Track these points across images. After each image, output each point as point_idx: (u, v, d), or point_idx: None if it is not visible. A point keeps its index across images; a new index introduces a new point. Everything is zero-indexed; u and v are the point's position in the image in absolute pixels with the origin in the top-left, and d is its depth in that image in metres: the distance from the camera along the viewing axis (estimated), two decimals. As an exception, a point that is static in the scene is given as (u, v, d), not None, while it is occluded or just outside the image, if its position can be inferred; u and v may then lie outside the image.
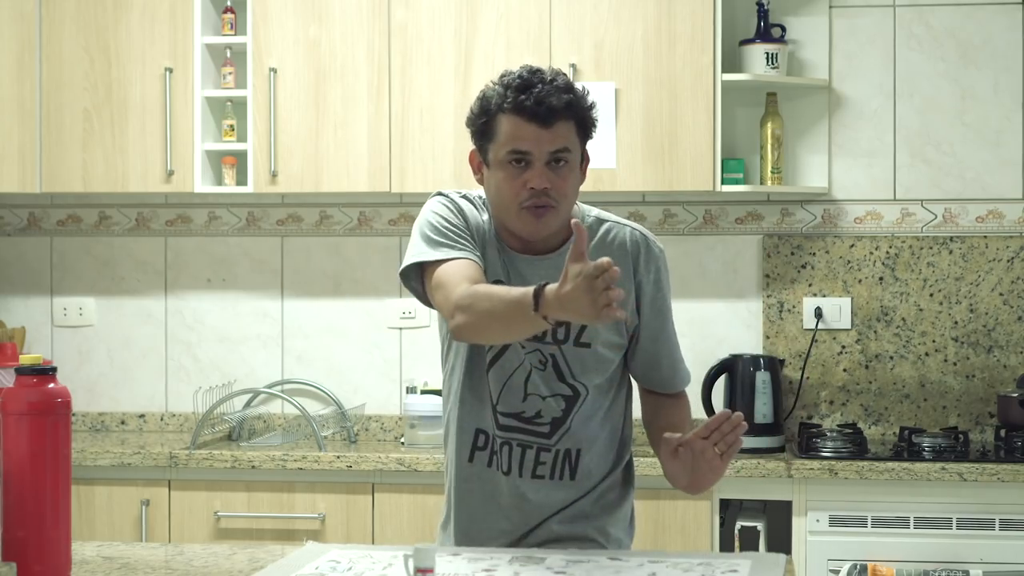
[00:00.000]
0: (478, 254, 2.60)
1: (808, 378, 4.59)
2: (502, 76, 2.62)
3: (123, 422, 4.85)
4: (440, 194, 2.69)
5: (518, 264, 2.64)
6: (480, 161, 2.65)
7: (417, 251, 2.61)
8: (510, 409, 2.65)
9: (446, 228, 2.61)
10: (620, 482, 2.77)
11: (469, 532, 2.70)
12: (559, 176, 2.57)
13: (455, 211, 2.64)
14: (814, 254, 4.61)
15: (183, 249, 4.86)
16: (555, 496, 2.67)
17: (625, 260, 2.65)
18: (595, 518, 2.70)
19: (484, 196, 2.68)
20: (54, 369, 2.29)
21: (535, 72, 2.59)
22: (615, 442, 2.74)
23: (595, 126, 2.65)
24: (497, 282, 2.60)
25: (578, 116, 2.59)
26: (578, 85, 2.64)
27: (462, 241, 2.60)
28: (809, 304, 4.60)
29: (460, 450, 2.69)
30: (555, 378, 2.64)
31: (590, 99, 2.63)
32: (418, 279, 2.63)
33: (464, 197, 2.69)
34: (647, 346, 2.71)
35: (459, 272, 2.53)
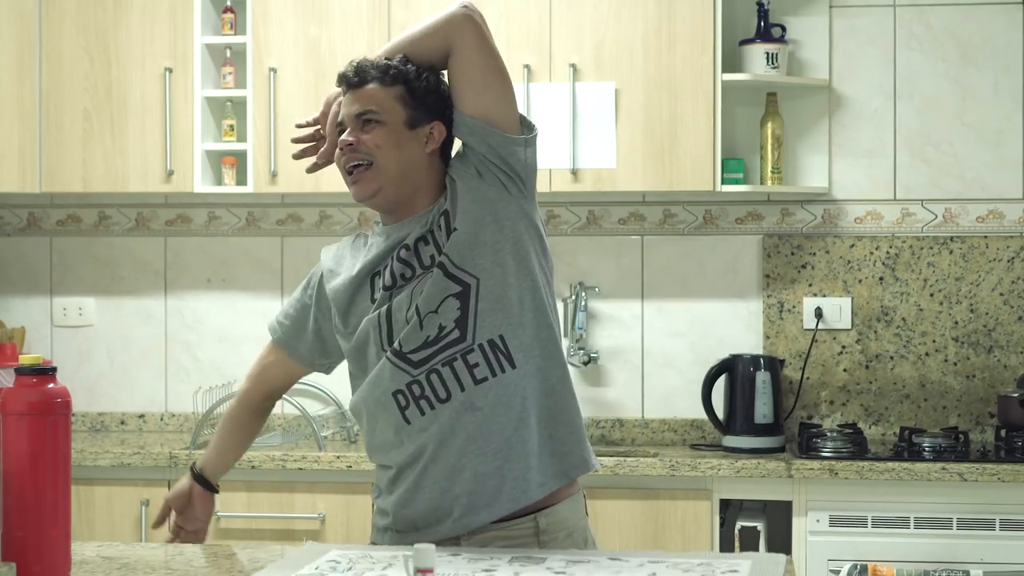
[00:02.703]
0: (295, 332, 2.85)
1: (808, 378, 4.59)
2: None
3: (123, 422, 4.85)
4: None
5: (390, 233, 2.71)
6: None
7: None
8: (417, 343, 2.62)
9: (290, 304, 2.90)
10: (565, 394, 2.70)
11: (443, 489, 2.63)
12: (366, 133, 2.68)
13: (305, 283, 2.89)
14: (814, 254, 4.61)
15: (183, 249, 4.86)
16: (505, 392, 2.60)
17: (453, 186, 2.69)
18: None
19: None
20: (54, 369, 2.29)
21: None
22: (549, 339, 2.68)
23: (435, 95, 2.71)
24: (375, 274, 2.71)
25: (400, 80, 2.69)
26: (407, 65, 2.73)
27: (288, 320, 2.87)
28: (809, 304, 4.60)
29: (394, 426, 2.65)
30: (442, 277, 2.61)
31: (423, 74, 2.71)
32: None
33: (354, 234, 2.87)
34: (470, 138, 2.70)
35: (258, 360, 2.91)
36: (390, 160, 2.69)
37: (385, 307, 2.66)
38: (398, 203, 2.71)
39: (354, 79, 2.72)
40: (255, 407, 2.91)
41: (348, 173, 2.71)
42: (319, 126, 2.82)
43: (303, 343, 2.84)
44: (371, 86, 2.70)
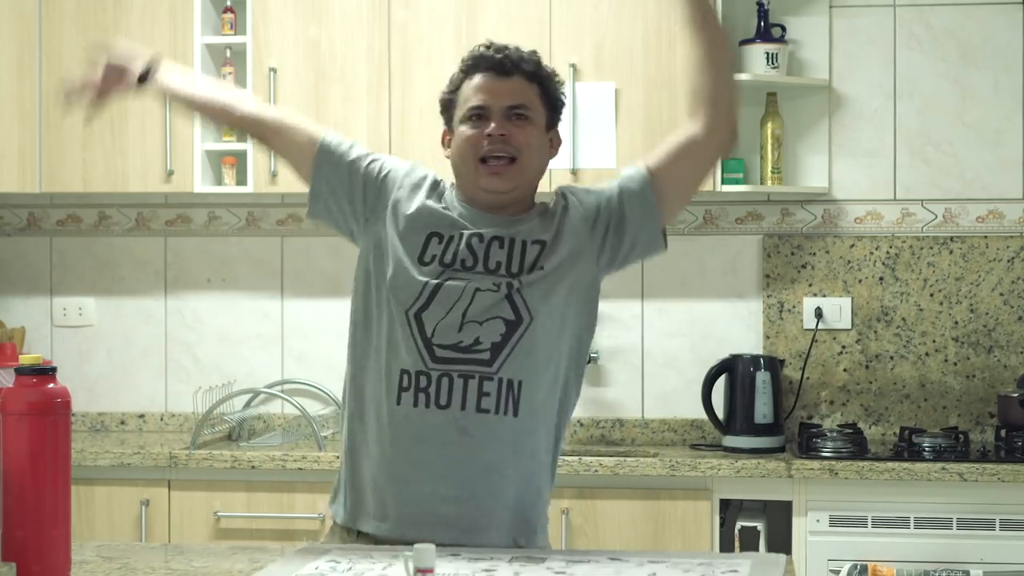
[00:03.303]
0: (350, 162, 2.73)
1: (808, 378, 4.59)
2: (460, 67, 2.74)
3: (123, 422, 4.85)
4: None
5: (466, 217, 2.68)
6: (447, 135, 2.74)
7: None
8: (448, 340, 2.59)
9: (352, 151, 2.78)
10: (552, 459, 2.71)
11: (398, 479, 2.62)
12: (518, 128, 2.65)
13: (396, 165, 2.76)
14: (814, 254, 4.61)
15: (183, 249, 4.86)
16: (497, 432, 2.59)
17: (563, 220, 2.68)
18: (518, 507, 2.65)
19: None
20: (54, 369, 2.29)
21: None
22: (556, 412, 2.68)
23: (562, 103, 2.74)
24: (434, 235, 2.66)
25: (540, 80, 2.69)
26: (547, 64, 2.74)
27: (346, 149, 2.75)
28: (809, 304, 4.60)
29: (387, 395, 2.61)
30: (504, 301, 2.60)
31: (557, 78, 2.74)
32: None
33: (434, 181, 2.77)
34: (623, 219, 2.67)
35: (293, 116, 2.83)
36: (533, 160, 2.68)
37: (435, 282, 2.62)
38: (512, 203, 2.69)
39: (507, 65, 2.67)
40: (246, 111, 2.81)
41: (482, 161, 2.65)
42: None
43: (341, 169, 2.73)
44: (520, 79, 2.67)
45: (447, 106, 2.74)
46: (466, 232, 2.65)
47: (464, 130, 2.67)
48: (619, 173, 2.74)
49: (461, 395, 2.59)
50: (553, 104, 2.73)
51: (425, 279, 2.62)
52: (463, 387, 2.59)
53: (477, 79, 2.67)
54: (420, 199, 2.70)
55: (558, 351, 2.65)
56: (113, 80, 2.77)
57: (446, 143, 2.75)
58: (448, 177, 2.78)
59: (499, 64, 2.67)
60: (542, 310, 2.62)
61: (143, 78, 2.78)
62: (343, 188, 2.73)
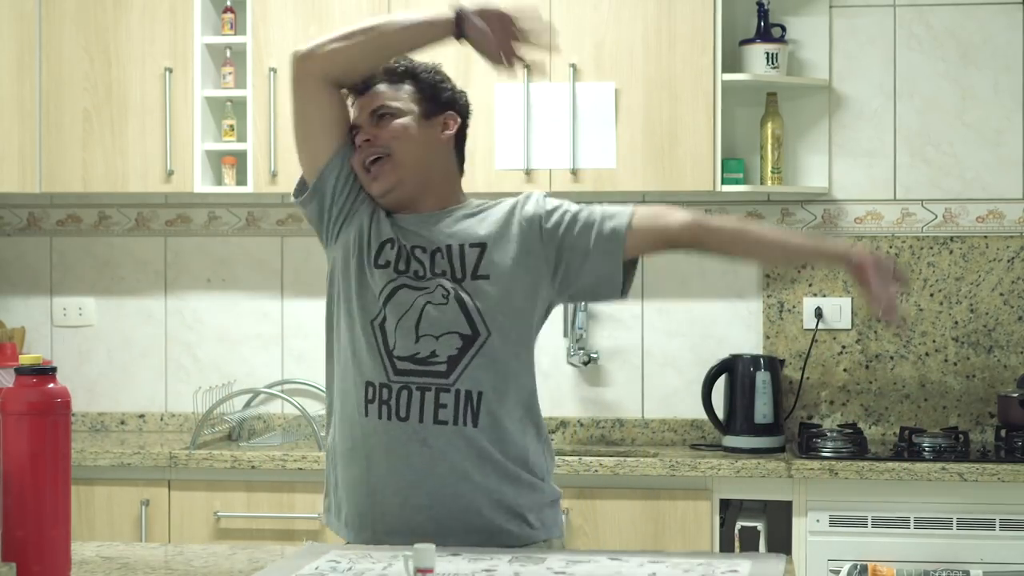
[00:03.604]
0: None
1: (808, 378, 4.59)
2: None
3: (123, 422, 4.85)
4: None
5: (401, 223, 2.71)
6: None
7: None
8: (406, 352, 2.63)
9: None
10: (528, 459, 2.70)
11: (371, 490, 2.65)
12: (381, 127, 2.69)
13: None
14: (814, 254, 4.60)
15: (183, 249, 4.86)
16: (457, 442, 2.61)
17: (510, 221, 2.70)
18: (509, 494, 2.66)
19: None
20: (54, 369, 2.29)
21: None
22: (525, 413, 2.69)
23: (440, 88, 2.75)
24: (387, 241, 2.69)
25: (407, 78, 2.72)
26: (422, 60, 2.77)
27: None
28: (809, 304, 4.60)
29: (356, 408, 2.65)
30: (459, 313, 2.62)
31: (428, 67, 2.76)
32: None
33: None
34: (587, 254, 2.68)
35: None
36: (408, 150, 2.70)
37: (388, 289, 2.65)
38: (417, 196, 2.72)
39: (366, 83, 2.72)
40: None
41: (367, 171, 2.70)
42: None
43: (346, 177, 2.74)
44: (380, 86, 2.72)
45: None
46: (407, 244, 2.69)
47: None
48: (602, 209, 2.73)
49: (419, 407, 2.63)
50: (430, 93, 2.74)
51: (380, 286, 2.66)
52: (420, 399, 2.63)
53: (356, 101, 2.75)
54: (373, 210, 2.74)
55: (519, 362, 2.68)
56: None
57: None
58: None
59: (359, 88, 2.73)
60: (498, 321, 2.64)
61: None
62: (345, 196, 2.75)
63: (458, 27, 2.64)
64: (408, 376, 2.63)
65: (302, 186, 2.79)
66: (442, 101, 2.75)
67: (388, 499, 2.66)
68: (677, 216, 2.70)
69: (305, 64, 2.71)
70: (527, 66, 2.68)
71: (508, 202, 2.75)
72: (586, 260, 2.68)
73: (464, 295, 2.64)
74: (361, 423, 2.67)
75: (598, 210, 2.72)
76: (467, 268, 2.66)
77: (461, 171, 2.81)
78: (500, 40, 2.63)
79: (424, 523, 2.64)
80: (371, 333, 2.66)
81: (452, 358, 2.63)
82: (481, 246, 2.67)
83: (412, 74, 2.74)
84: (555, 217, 2.70)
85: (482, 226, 2.70)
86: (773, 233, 2.88)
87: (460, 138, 2.78)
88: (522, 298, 2.67)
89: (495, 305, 2.64)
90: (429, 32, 2.68)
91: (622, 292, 2.71)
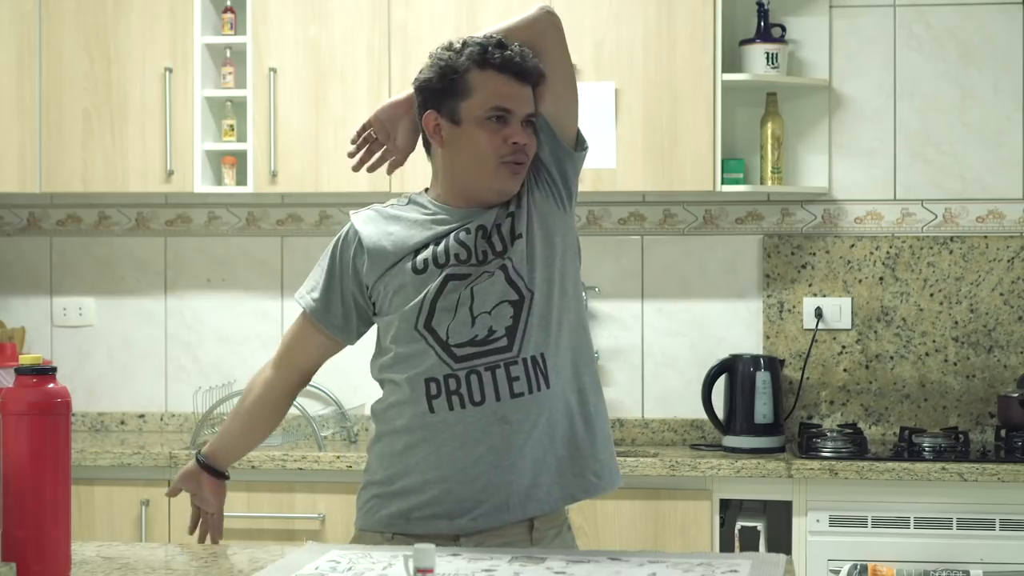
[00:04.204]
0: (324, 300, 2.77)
1: (808, 378, 4.59)
2: (457, 43, 2.72)
3: (123, 422, 4.85)
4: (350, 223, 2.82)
5: (452, 215, 2.70)
6: (439, 123, 2.70)
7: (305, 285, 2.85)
8: (463, 338, 2.63)
9: (316, 276, 2.81)
10: (596, 400, 2.76)
11: (450, 480, 2.65)
12: (530, 137, 2.68)
13: (331, 252, 2.79)
14: (814, 254, 4.61)
15: (183, 249, 4.86)
16: (533, 409, 2.63)
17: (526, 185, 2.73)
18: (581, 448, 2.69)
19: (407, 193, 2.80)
20: (54, 369, 2.29)
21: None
22: (582, 355, 2.72)
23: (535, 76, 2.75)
24: (418, 249, 2.69)
25: (537, 82, 2.70)
26: None
27: (318, 292, 2.77)
28: (809, 304, 4.60)
29: (417, 408, 2.65)
30: (503, 282, 2.63)
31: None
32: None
33: (374, 213, 2.79)
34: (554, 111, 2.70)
35: (285, 343, 2.87)
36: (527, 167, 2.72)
37: (435, 288, 2.64)
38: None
39: (527, 72, 2.67)
40: (280, 395, 2.85)
41: (506, 165, 2.66)
42: (369, 130, 2.82)
43: (337, 312, 2.77)
44: (527, 88, 2.69)
45: (440, 92, 2.70)
46: (451, 230, 2.68)
47: (484, 131, 2.65)
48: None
49: (493, 387, 2.62)
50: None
51: (426, 290, 2.65)
52: (492, 379, 2.63)
53: (499, 78, 2.65)
54: (398, 231, 2.73)
55: (560, 308, 2.68)
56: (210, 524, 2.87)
57: (434, 129, 2.72)
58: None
59: (521, 70, 2.66)
60: (534, 277, 2.65)
61: (213, 472, 2.87)
62: (355, 298, 2.76)
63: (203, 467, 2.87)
64: (471, 360, 2.63)
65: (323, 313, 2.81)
66: None
67: (467, 486, 2.63)
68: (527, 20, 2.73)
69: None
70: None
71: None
72: (550, 164, 2.71)
73: (510, 267, 2.64)
74: (425, 421, 2.64)
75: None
76: (505, 237, 2.66)
77: None
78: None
79: (499, 502, 2.63)
80: (421, 336, 2.65)
81: (509, 329, 2.63)
82: (511, 215, 2.68)
83: (534, 70, 2.70)
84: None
85: (508, 203, 2.71)
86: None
87: None
88: (548, 245, 2.67)
89: (531, 261, 2.65)
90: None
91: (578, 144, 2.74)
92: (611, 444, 2.80)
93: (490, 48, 2.65)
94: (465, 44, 2.69)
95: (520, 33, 2.71)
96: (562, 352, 2.68)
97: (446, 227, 2.69)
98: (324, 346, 2.81)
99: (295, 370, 2.85)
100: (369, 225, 2.76)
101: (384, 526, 2.70)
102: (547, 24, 2.72)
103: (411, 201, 2.78)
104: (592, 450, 2.72)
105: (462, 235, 2.67)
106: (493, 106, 2.64)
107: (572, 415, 2.70)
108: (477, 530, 2.64)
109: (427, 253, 2.67)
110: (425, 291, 2.65)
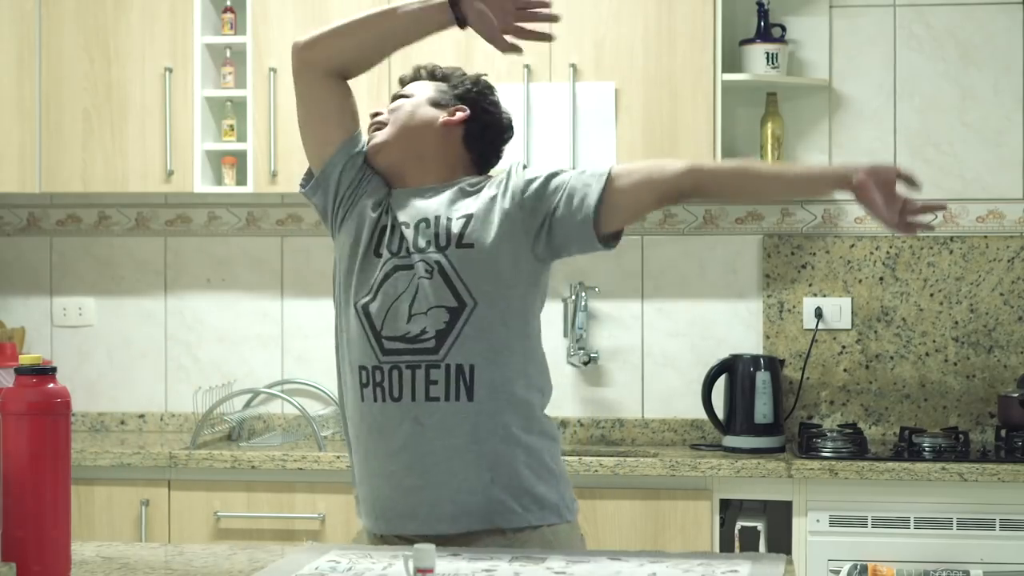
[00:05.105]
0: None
1: (808, 378, 4.59)
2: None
3: (123, 422, 4.85)
4: None
5: (395, 198, 2.78)
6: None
7: None
8: (396, 332, 2.66)
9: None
10: (537, 433, 2.71)
11: (371, 475, 2.70)
12: (390, 110, 2.85)
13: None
14: (814, 254, 4.61)
15: (183, 249, 4.86)
16: (450, 419, 2.63)
17: (495, 195, 2.74)
18: (507, 466, 2.66)
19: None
20: (54, 369, 2.29)
21: None
22: (523, 384, 2.69)
23: (452, 78, 2.88)
24: (386, 227, 2.75)
25: (432, 76, 2.89)
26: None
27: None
28: (809, 304, 4.60)
29: (354, 394, 2.71)
30: (443, 285, 2.65)
31: (455, 69, 2.91)
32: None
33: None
34: (562, 218, 2.70)
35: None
36: (399, 119, 2.80)
37: (382, 274, 2.69)
38: (407, 167, 2.79)
39: (405, 77, 2.91)
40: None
41: (370, 140, 2.82)
42: None
43: (355, 168, 2.81)
44: (415, 82, 2.87)
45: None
46: (397, 220, 2.73)
47: None
48: (580, 168, 2.77)
49: (411, 386, 2.65)
50: (443, 85, 2.86)
51: (375, 272, 2.70)
52: (411, 377, 2.65)
53: None
54: (375, 192, 2.80)
55: (510, 330, 2.68)
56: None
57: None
58: None
59: (402, 79, 2.95)
60: (483, 289, 2.66)
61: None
62: (349, 180, 2.80)
63: (455, 10, 2.67)
64: (398, 356, 2.66)
65: (309, 176, 2.84)
66: (454, 94, 2.83)
67: (384, 482, 2.69)
68: (674, 166, 2.71)
69: (304, 55, 2.84)
70: (542, 37, 2.73)
71: (497, 177, 2.78)
72: (557, 229, 2.70)
73: (448, 266, 2.66)
74: (359, 408, 2.71)
75: (574, 177, 2.72)
76: (452, 237, 2.68)
77: (479, 161, 2.85)
78: (500, 19, 2.67)
79: (417, 506, 2.65)
80: (358, 318, 2.70)
81: (440, 332, 2.64)
82: (467, 217, 2.70)
83: (432, 71, 2.88)
84: (533, 187, 2.71)
85: (472, 200, 2.73)
86: (772, 167, 2.91)
87: (476, 131, 2.83)
88: (507, 265, 2.67)
89: (480, 273, 2.66)
90: (426, 18, 2.72)
91: (607, 245, 2.73)
92: (559, 481, 2.73)
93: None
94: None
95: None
96: (503, 373, 2.66)
97: (395, 214, 2.75)
98: (342, 107, 2.84)
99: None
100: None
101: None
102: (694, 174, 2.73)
103: None
104: (529, 482, 2.68)
105: (402, 228, 2.71)
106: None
107: (509, 440, 2.66)
108: (397, 533, 2.67)
109: (387, 238, 2.72)
110: (375, 273, 2.69)
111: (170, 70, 4.49)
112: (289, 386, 4.75)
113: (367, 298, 2.69)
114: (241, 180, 4.59)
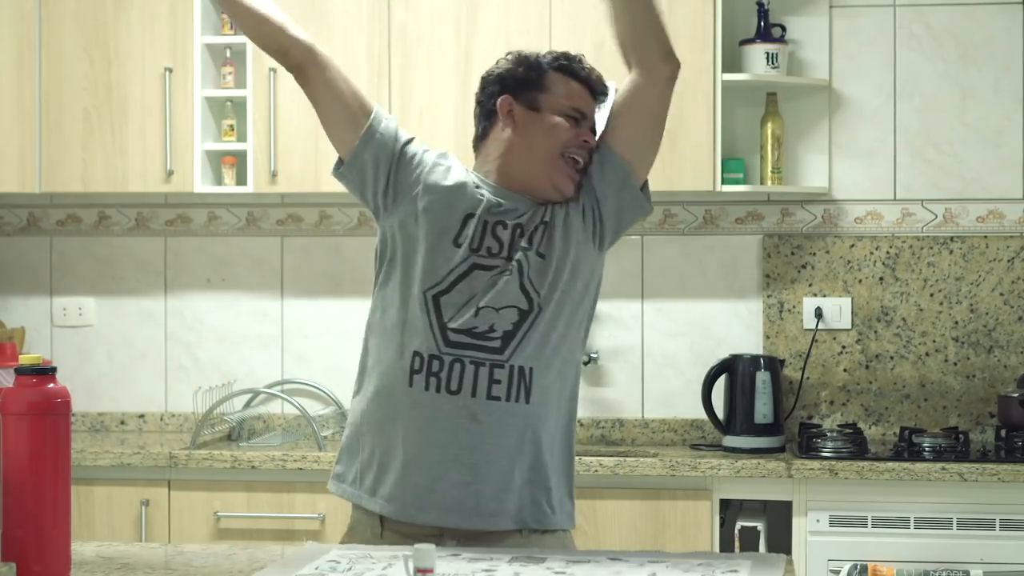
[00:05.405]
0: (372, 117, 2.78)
1: (808, 378, 4.59)
2: (533, 54, 2.84)
3: (123, 422, 4.85)
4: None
5: (499, 196, 2.75)
6: (513, 108, 2.79)
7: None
8: (462, 325, 2.66)
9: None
10: (565, 440, 2.76)
11: (408, 461, 2.68)
12: (593, 141, 2.80)
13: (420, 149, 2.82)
14: (814, 254, 4.61)
15: (183, 249, 4.86)
16: (508, 420, 2.65)
17: (564, 205, 2.78)
18: (542, 479, 2.70)
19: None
20: (54, 369, 2.29)
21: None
22: (567, 392, 2.74)
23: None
24: (469, 216, 2.73)
25: (603, 99, 2.87)
26: None
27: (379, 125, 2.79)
28: (809, 304, 4.60)
29: (400, 378, 2.67)
30: (518, 287, 2.67)
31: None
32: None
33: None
34: (602, 190, 2.77)
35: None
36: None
37: (462, 269, 2.68)
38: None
39: (600, 96, 2.86)
40: (298, 34, 2.78)
41: (567, 163, 2.76)
42: None
43: (383, 144, 2.78)
44: (593, 107, 2.85)
45: (521, 81, 2.79)
46: (491, 219, 2.72)
47: (562, 121, 2.77)
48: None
49: (472, 381, 2.64)
50: None
51: (453, 265, 2.69)
52: (474, 373, 2.65)
53: (577, 86, 2.82)
54: (454, 178, 2.77)
55: (562, 335, 2.71)
56: None
57: (507, 112, 2.79)
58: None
59: (596, 88, 2.85)
60: (547, 295, 2.68)
61: None
62: (384, 166, 2.78)
63: None
64: (461, 349, 2.65)
65: (340, 161, 2.83)
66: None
67: (424, 472, 2.67)
68: (636, 73, 2.79)
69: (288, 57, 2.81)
70: None
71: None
72: (606, 207, 2.77)
73: (526, 269, 2.68)
74: (405, 393, 2.67)
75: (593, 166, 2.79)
76: (532, 242, 2.71)
77: None
78: None
79: (460, 499, 2.65)
80: (425, 304, 2.68)
81: (507, 333, 2.66)
82: (546, 225, 2.73)
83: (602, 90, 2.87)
84: (582, 191, 2.78)
85: (551, 209, 2.75)
86: None
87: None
88: (575, 273, 2.72)
89: (551, 281, 2.69)
90: None
91: (649, 204, 2.83)
92: (571, 485, 2.78)
93: (573, 60, 2.83)
94: (547, 54, 2.84)
95: (654, 33, 2.77)
96: (552, 378, 2.70)
97: (490, 212, 2.72)
98: (340, 93, 2.80)
99: (321, 51, 2.80)
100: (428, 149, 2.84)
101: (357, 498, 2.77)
102: (675, 62, 2.77)
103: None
104: (555, 482, 2.73)
105: (499, 230, 2.71)
106: (574, 106, 2.78)
107: (552, 444, 2.71)
108: (414, 521, 2.67)
109: (469, 230, 2.70)
110: (453, 267, 2.68)
111: (170, 70, 4.49)
112: (289, 386, 4.75)
113: (439, 287, 2.68)
114: (241, 180, 4.59)
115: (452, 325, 2.66)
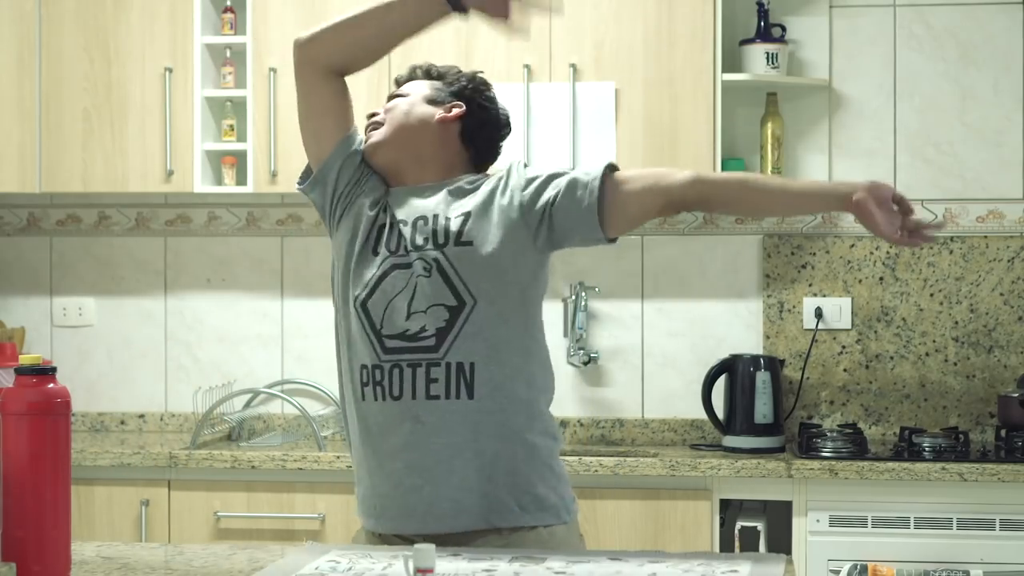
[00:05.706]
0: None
1: (808, 378, 4.59)
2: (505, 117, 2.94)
3: (123, 422, 4.85)
4: None
5: (393, 196, 2.79)
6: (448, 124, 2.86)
7: None
8: (395, 330, 2.66)
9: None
10: (540, 434, 2.72)
11: (371, 473, 2.70)
12: (386, 109, 2.87)
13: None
14: (814, 254, 4.61)
15: (183, 249, 4.86)
16: (450, 417, 2.64)
17: (494, 192, 2.74)
18: (504, 468, 2.66)
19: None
20: (54, 369, 2.29)
21: None
22: (532, 383, 2.71)
23: (448, 77, 2.89)
24: (384, 226, 2.76)
25: (428, 76, 2.92)
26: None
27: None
28: (809, 304, 4.60)
29: (354, 393, 2.71)
30: (442, 283, 2.66)
31: (450, 67, 2.92)
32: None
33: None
34: (564, 206, 2.69)
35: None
36: (395, 118, 2.82)
37: (380, 272, 2.70)
38: (404, 165, 2.80)
39: (401, 77, 2.92)
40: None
41: (367, 140, 2.83)
42: None
43: (352, 166, 2.82)
44: (411, 82, 2.89)
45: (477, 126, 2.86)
46: (395, 219, 2.74)
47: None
48: (580, 167, 2.77)
49: (411, 384, 2.65)
50: (439, 83, 2.87)
51: (373, 270, 2.71)
52: (412, 376, 2.65)
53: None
54: (377, 198, 2.80)
55: (511, 329, 2.68)
56: None
57: (447, 121, 2.84)
58: None
59: (398, 79, 2.97)
60: (483, 288, 2.66)
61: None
62: (346, 176, 2.82)
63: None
64: (398, 354, 2.66)
65: (307, 173, 2.85)
66: (449, 91, 2.84)
67: (384, 481, 2.69)
68: (680, 175, 2.73)
69: (306, 51, 2.87)
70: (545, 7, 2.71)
71: (496, 175, 2.79)
72: (564, 215, 2.69)
73: (446, 264, 2.67)
74: (360, 407, 2.71)
75: (576, 172, 2.73)
76: (450, 235, 2.69)
77: (477, 159, 2.86)
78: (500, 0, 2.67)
79: (416, 504, 2.66)
80: (358, 316, 2.71)
81: (440, 331, 2.65)
82: (465, 214, 2.71)
83: (427, 70, 2.89)
84: (533, 186, 2.72)
85: (470, 198, 2.74)
86: (774, 181, 2.92)
87: (472, 127, 2.83)
88: (507, 262, 2.68)
89: (479, 271, 2.67)
90: (426, 7, 2.72)
91: (609, 240, 2.73)
92: (559, 482, 2.74)
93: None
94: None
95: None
96: (504, 372, 2.66)
97: (394, 212, 2.75)
98: (340, 103, 2.87)
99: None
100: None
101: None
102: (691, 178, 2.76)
103: None
104: (529, 481, 2.69)
105: (400, 226, 2.72)
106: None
107: (510, 439, 2.67)
108: (396, 532, 2.68)
109: (385, 237, 2.72)
110: (374, 271, 2.70)
111: (170, 70, 4.49)
112: (289, 386, 4.75)
113: (364, 295, 2.70)
114: (241, 180, 4.59)
115: (386, 332, 2.67)
